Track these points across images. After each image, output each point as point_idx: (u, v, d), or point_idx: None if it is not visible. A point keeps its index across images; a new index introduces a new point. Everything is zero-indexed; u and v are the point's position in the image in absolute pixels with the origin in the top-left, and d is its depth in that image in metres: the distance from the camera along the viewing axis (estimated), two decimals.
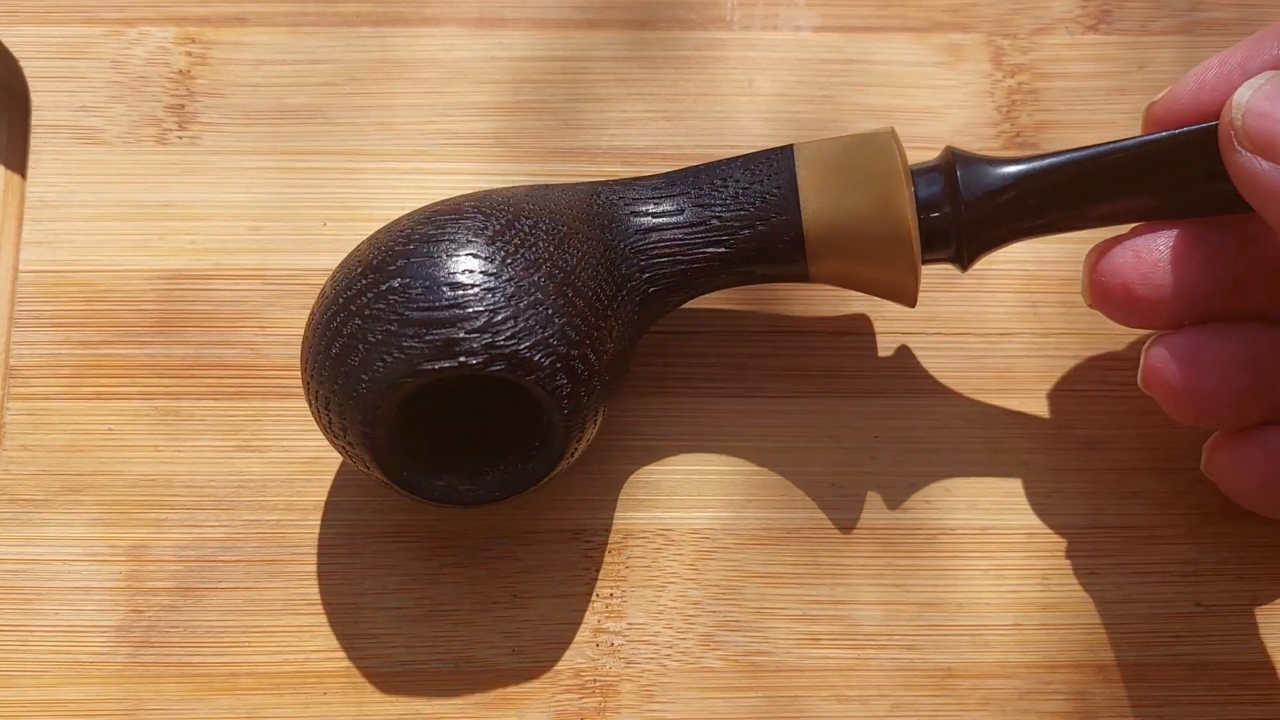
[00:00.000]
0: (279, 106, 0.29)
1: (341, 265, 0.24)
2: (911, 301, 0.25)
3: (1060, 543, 0.27)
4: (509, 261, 0.23)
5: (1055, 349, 0.28)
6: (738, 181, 0.25)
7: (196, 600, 0.26)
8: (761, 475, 0.27)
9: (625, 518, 0.27)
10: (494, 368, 0.22)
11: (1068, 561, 0.27)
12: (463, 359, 0.22)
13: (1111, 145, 0.24)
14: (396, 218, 0.24)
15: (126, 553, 0.26)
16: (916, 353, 0.28)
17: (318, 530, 0.27)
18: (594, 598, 0.26)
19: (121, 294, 0.28)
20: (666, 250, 0.25)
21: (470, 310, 0.22)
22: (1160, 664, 0.26)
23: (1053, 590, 0.27)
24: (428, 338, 0.22)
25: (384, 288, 0.23)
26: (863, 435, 0.28)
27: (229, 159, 0.29)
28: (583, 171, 0.29)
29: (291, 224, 0.28)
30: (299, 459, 0.27)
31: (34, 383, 0.27)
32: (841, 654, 0.26)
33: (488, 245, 0.23)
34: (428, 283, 0.22)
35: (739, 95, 0.29)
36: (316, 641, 0.26)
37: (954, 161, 0.24)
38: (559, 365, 0.23)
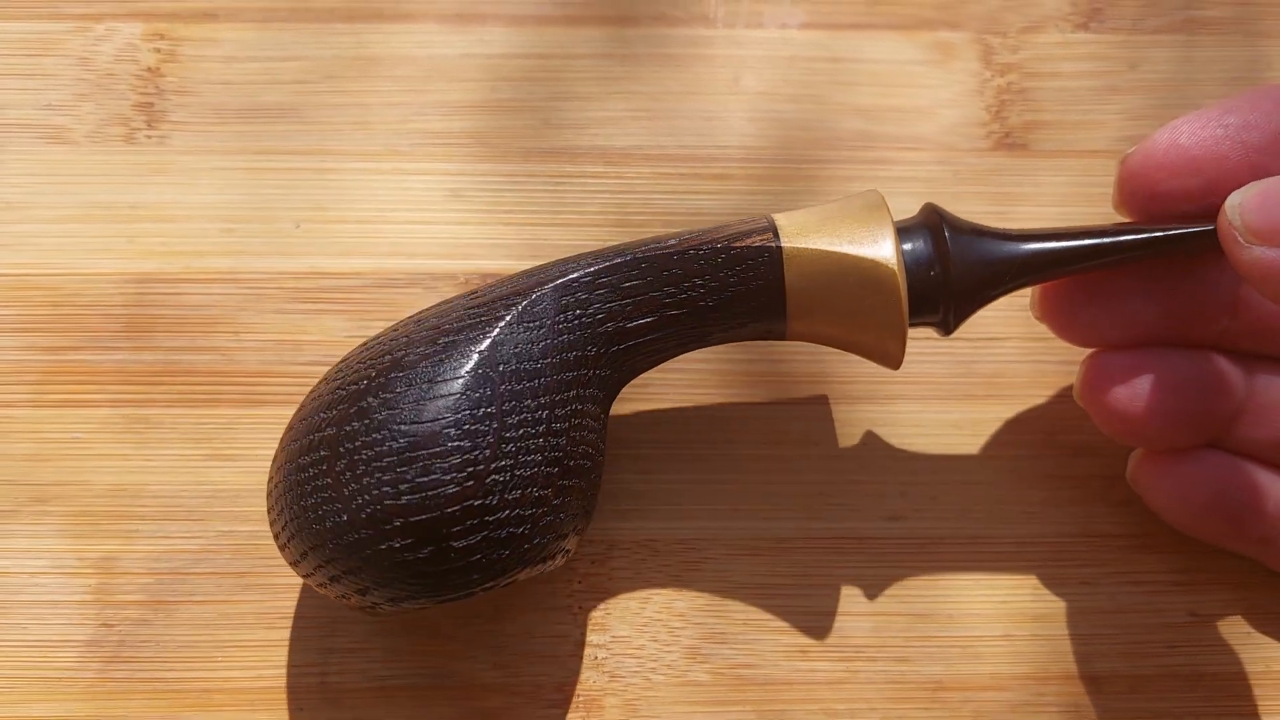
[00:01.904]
0: (251, 104, 0.28)
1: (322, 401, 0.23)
2: (896, 365, 0.24)
3: (1052, 552, 0.27)
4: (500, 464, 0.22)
5: (1046, 354, 0.28)
6: (720, 283, 0.23)
7: (168, 614, 0.25)
8: (748, 484, 0.27)
9: (609, 528, 0.26)
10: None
11: (1060, 571, 0.26)
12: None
13: (1111, 238, 0.23)
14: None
15: (95, 565, 0.26)
16: (906, 358, 0.27)
17: None
18: (577, 610, 0.26)
19: (88, 298, 0.27)
20: (643, 351, 0.24)
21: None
22: (1154, 675, 0.26)
23: (1045, 600, 0.26)
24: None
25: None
26: (851, 442, 0.27)
27: (199, 159, 0.28)
28: (563, 171, 0.28)
29: (264, 225, 0.28)
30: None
31: None
32: (830, 666, 0.26)
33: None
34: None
35: (724, 94, 0.29)
36: (292, 656, 0.25)
37: (943, 228, 0.24)
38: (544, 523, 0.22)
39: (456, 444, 0.21)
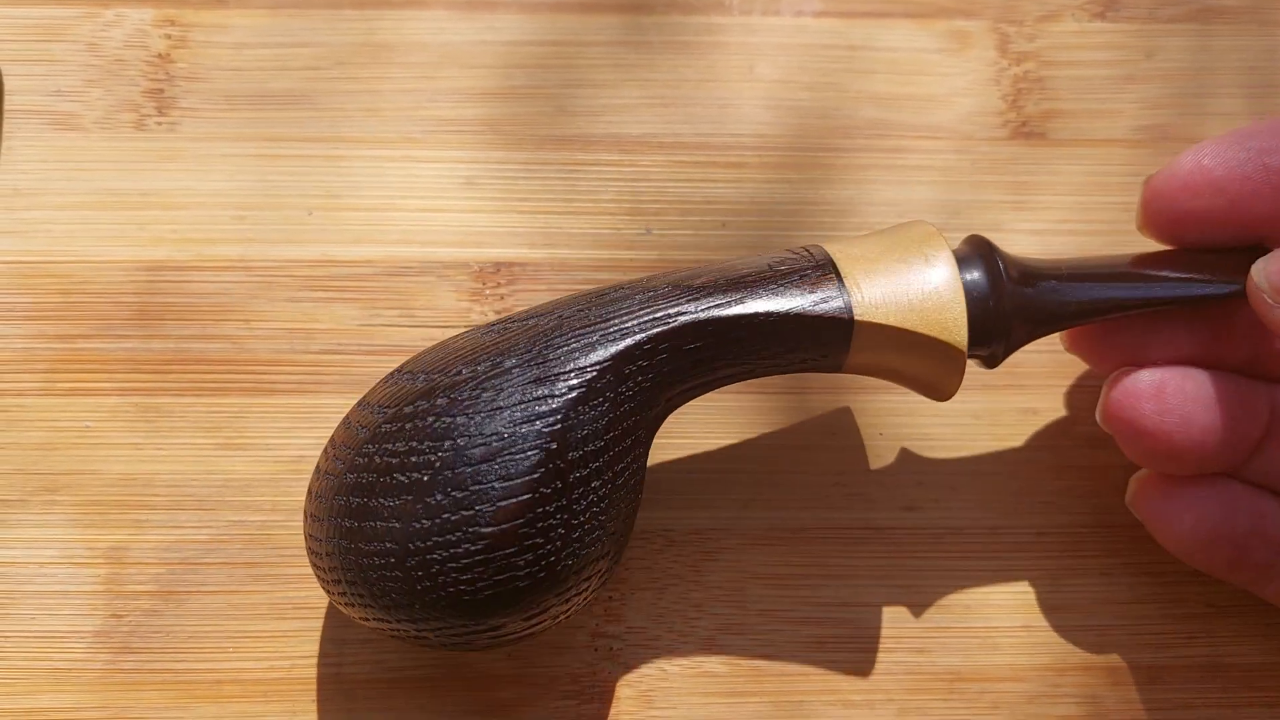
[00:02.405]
0: (262, 91, 0.28)
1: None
2: (945, 399, 0.24)
3: (1070, 542, 0.26)
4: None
5: (1063, 345, 0.27)
6: (784, 348, 0.23)
7: (178, 604, 0.25)
8: (765, 474, 0.27)
9: None
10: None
11: (1077, 562, 0.26)
12: None
13: (1153, 292, 0.24)
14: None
15: (105, 555, 0.25)
16: None
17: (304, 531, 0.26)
18: (593, 600, 0.26)
19: (99, 286, 0.27)
20: (693, 396, 0.24)
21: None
22: (1172, 666, 0.26)
23: (1062, 591, 0.26)
24: None
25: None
26: (868, 433, 0.27)
27: (210, 145, 0.28)
28: (577, 159, 0.28)
29: (276, 213, 0.27)
30: (284, 458, 0.26)
31: (7, 378, 0.26)
32: (848, 657, 0.26)
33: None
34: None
35: (740, 81, 0.29)
36: (304, 647, 0.25)
37: (1002, 277, 0.23)
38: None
39: (530, 542, 0.21)
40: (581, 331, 0.22)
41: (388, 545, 0.21)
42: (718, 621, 0.26)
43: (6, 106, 0.28)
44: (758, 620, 0.26)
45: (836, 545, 0.26)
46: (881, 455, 0.27)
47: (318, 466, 0.23)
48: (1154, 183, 0.24)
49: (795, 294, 0.22)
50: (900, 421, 0.27)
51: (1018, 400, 0.27)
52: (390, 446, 0.22)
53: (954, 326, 0.22)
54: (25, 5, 0.28)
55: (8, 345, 0.26)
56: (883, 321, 0.22)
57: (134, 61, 0.28)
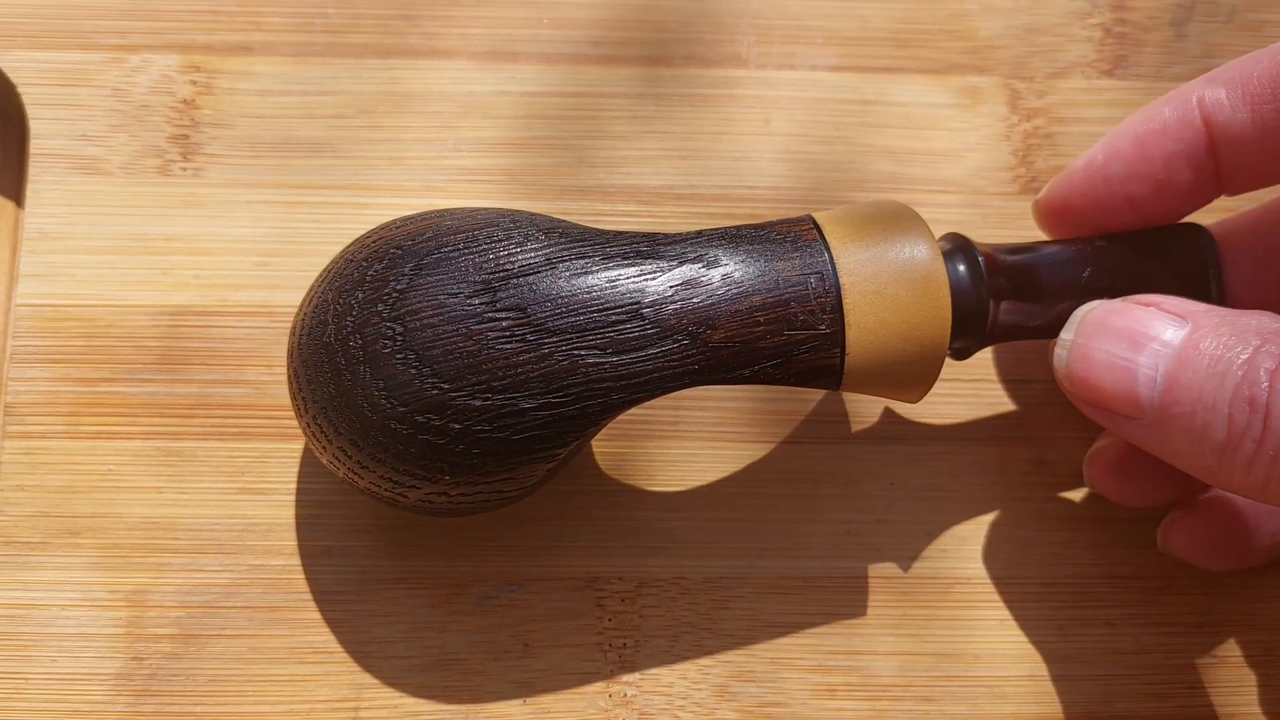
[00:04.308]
0: (286, 138, 0.29)
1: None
2: (916, 400, 0.25)
3: (1076, 593, 0.27)
4: None
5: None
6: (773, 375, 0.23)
7: (199, 648, 0.26)
8: (777, 523, 0.27)
9: (639, 565, 0.27)
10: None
11: (1084, 612, 0.27)
12: None
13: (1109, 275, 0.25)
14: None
15: (126, 598, 0.26)
16: (933, 399, 0.28)
17: (324, 576, 0.26)
18: (607, 647, 0.26)
19: (122, 329, 0.27)
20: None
21: None
22: (1176, 716, 0.26)
23: (1069, 641, 0.27)
24: None
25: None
26: (879, 483, 0.27)
27: (234, 191, 0.28)
28: (596, 209, 0.28)
29: (299, 259, 0.28)
30: (305, 502, 0.26)
31: (31, 421, 0.27)
32: (857, 705, 0.26)
33: None
34: None
35: (755, 134, 0.29)
36: (323, 691, 0.25)
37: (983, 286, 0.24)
38: None
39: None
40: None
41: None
42: (730, 668, 0.26)
43: (32, 150, 0.28)
44: (769, 668, 0.26)
45: (847, 594, 0.27)
46: (892, 505, 0.27)
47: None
48: (1039, 205, 0.26)
49: (787, 317, 0.23)
50: (911, 472, 0.27)
51: (1025, 452, 0.28)
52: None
53: (938, 292, 0.23)
54: (52, 49, 0.29)
55: (32, 388, 0.27)
56: (874, 345, 0.23)
57: (159, 107, 0.29)
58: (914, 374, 0.23)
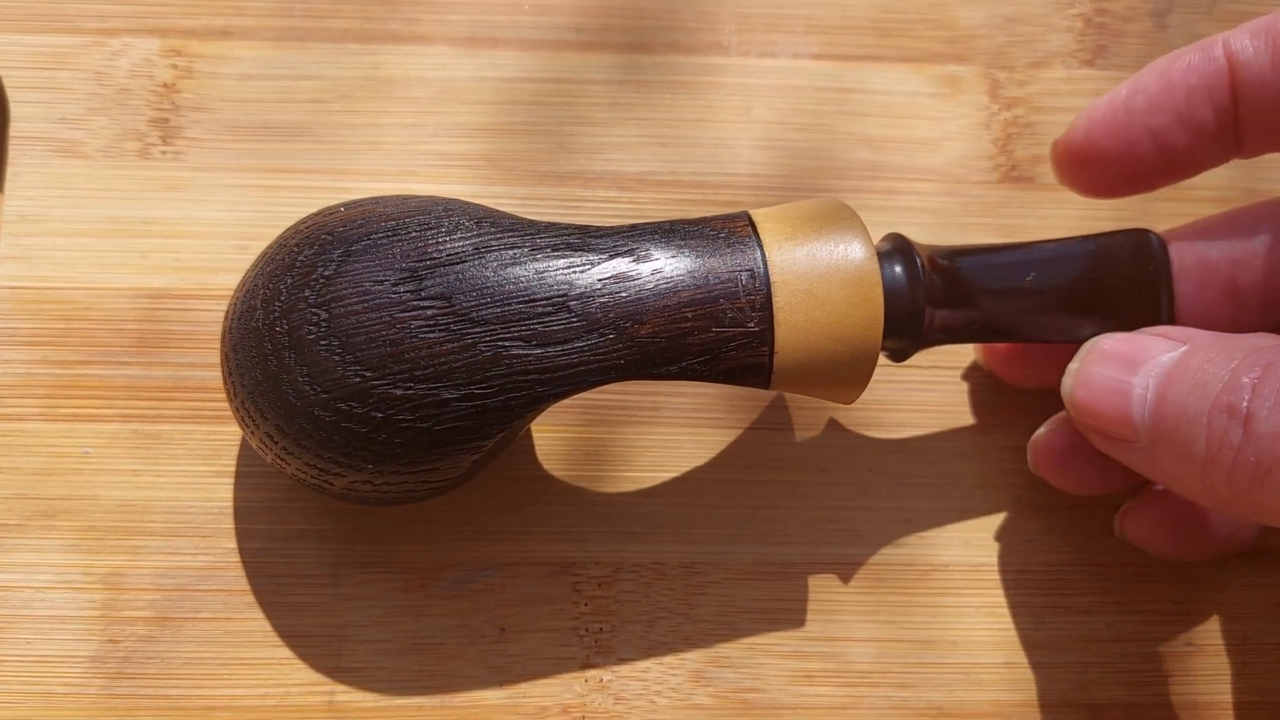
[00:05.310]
0: (265, 122, 0.29)
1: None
2: (850, 401, 0.24)
3: (1053, 581, 0.27)
4: None
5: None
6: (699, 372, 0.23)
7: (174, 631, 0.25)
8: (754, 509, 0.27)
9: (616, 550, 0.27)
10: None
11: (1060, 599, 0.27)
12: None
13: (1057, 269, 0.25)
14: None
15: (102, 581, 0.26)
16: (911, 387, 0.28)
17: (299, 560, 0.26)
18: (583, 632, 0.26)
19: (100, 312, 0.27)
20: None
21: None
22: (1151, 704, 0.26)
23: (1045, 628, 0.27)
24: None
25: None
26: (856, 470, 0.27)
27: (214, 175, 0.28)
28: (576, 195, 0.28)
29: None
30: (281, 486, 0.26)
31: (8, 403, 0.27)
32: (834, 692, 0.26)
33: None
34: None
35: (736, 121, 0.29)
36: (298, 675, 0.25)
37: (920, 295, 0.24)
38: None
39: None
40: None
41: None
42: (706, 654, 0.26)
43: (13, 133, 0.28)
44: (746, 653, 0.26)
45: (824, 580, 0.27)
46: (870, 491, 0.27)
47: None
48: (1057, 149, 0.25)
49: (716, 322, 0.23)
50: (889, 459, 0.27)
51: (1003, 440, 0.28)
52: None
53: (870, 290, 0.23)
54: (33, 33, 0.29)
55: (9, 370, 0.27)
56: (803, 351, 0.23)
57: (139, 91, 0.29)
58: (846, 374, 0.23)
